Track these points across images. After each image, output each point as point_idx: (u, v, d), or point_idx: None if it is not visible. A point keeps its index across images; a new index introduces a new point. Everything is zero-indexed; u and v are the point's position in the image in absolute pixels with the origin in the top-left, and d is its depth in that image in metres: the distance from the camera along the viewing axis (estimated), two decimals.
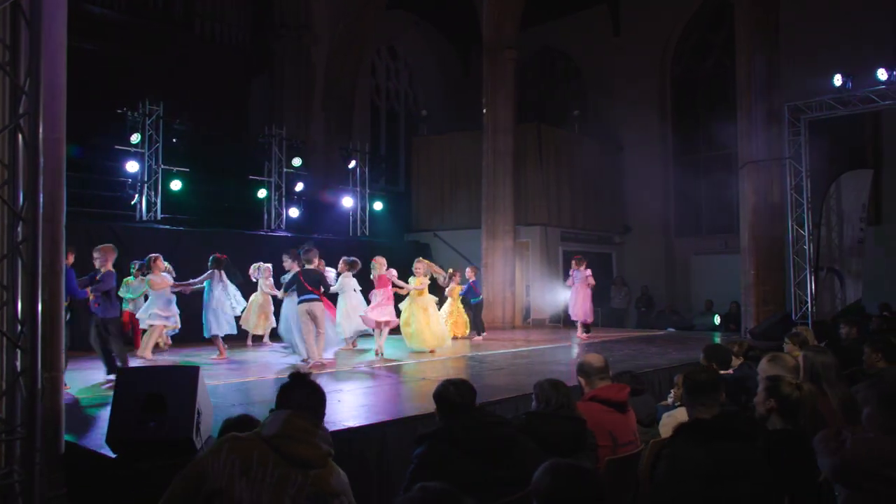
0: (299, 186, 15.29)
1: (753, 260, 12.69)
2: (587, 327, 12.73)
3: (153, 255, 9.32)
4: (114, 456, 4.14)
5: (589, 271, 12.36)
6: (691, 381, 3.73)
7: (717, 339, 11.50)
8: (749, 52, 12.85)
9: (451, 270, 12.49)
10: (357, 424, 5.06)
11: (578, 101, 19.81)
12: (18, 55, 3.54)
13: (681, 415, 4.65)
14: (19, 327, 3.47)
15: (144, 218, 12.63)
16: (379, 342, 9.92)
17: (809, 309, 12.31)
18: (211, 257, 9.81)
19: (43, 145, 3.78)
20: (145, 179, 12.66)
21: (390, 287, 10.22)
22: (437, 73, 22.17)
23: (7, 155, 3.52)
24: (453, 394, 3.60)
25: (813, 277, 12.42)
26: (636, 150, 18.86)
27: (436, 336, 10.29)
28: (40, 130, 3.48)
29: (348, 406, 6.07)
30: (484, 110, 16.14)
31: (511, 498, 3.29)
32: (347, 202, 16.50)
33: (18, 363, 3.48)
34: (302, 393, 2.78)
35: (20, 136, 3.49)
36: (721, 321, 16.02)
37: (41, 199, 3.48)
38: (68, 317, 7.51)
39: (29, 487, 3.41)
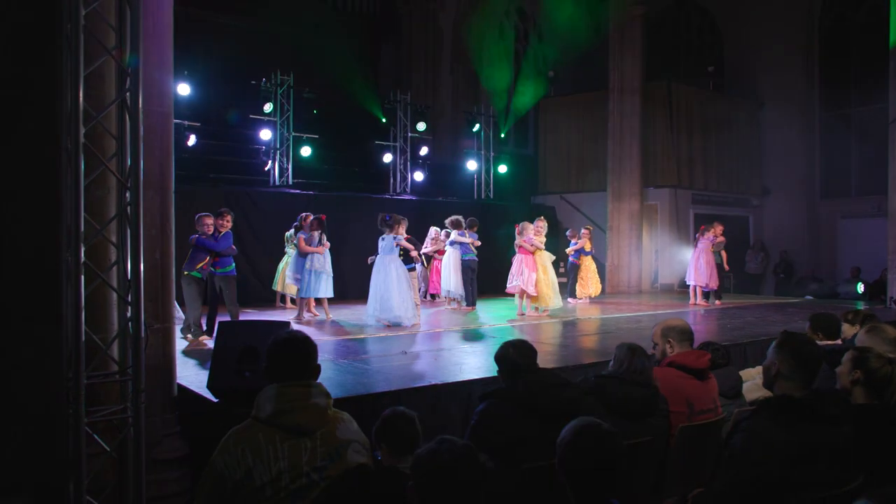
0: (424, 150, 15.61)
1: None
2: (713, 294, 12.25)
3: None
4: (216, 401, 4.56)
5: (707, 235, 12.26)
6: (802, 351, 3.13)
7: (860, 308, 10.68)
8: None
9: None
10: (442, 382, 5.25)
11: (714, 55, 18.70)
12: (125, 36, 3.91)
13: None
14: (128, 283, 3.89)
15: (277, 183, 13.39)
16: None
17: None
18: (316, 218, 9.89)
19: (151, 119, 4.18)
20: (277, 146, 13.40)
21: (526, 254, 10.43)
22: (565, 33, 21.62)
23: (116, 128, 3.91)
24: (513, 355, 3.69)
25: None
26: (778, 106, 17.59)
27: (543, 295, 10.27)
28: (140, 105, 3.83)
29: (443, 363, 6.31)
30: (610, 70, 15.66)
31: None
32: (472, 165, 16.63)
33: (129, 313, 3.91)
34: (290, 355, 2.77)
35: (126, 111, 3.87)
36: (866, 289, 14.81)
37: (141, 167, 3.85)
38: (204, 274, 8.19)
39: (137, 422, 3.86)
